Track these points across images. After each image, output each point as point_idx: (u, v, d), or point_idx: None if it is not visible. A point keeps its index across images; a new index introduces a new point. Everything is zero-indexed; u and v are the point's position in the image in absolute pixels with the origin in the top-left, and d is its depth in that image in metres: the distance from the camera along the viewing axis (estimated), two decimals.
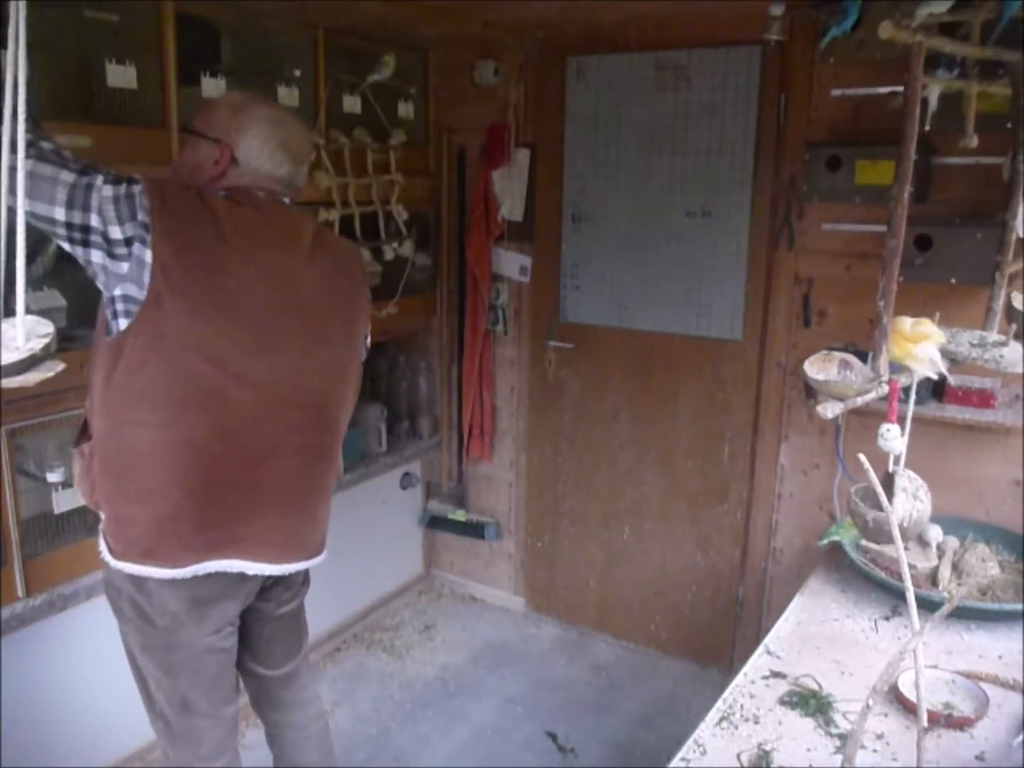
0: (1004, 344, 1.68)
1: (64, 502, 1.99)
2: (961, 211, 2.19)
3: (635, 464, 2.97)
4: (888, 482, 1.47)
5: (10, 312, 0.82)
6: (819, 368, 1.42)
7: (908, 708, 1.46)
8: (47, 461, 2.01)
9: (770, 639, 1.72)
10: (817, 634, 1.75)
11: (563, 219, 2.94)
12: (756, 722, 1.45)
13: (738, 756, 1.36)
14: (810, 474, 2.64)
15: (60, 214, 1.31)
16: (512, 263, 3.05)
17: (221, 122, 1.52)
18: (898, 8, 1.31)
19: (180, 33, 2.09)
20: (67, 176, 1.31)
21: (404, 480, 3.26)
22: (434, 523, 3.39)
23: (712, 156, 2.63)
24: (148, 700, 1.63)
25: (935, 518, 2.05)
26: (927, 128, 1.88)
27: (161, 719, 1.63)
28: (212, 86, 2.21)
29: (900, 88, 1.99)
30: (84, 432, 1.53)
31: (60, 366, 0.80)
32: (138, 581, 1.50)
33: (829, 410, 1.37)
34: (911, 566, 1.86)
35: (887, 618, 1.82)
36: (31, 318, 0.81)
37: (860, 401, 1.40)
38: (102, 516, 1.52)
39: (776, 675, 1.59)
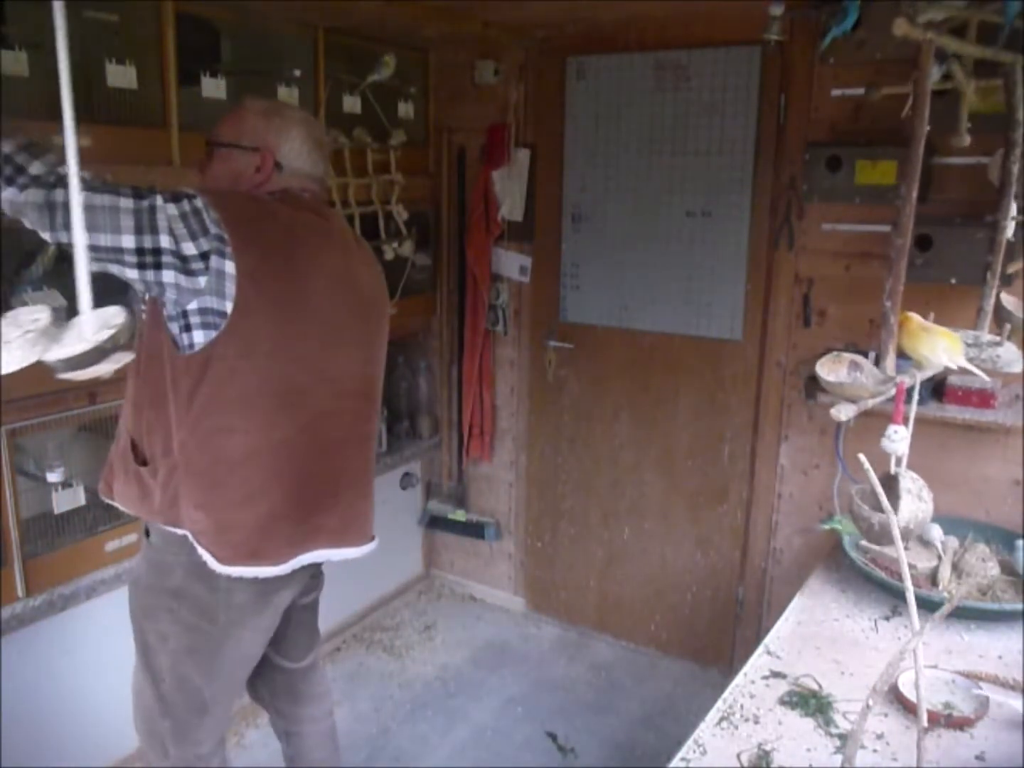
0: (999, 344, 1.68)
1: (64, 502, 2.00)
2: (961, 211, 2.19)
3: (635, 464, 2.97)
4: (892, 483, 1.47)
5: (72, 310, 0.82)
6: (829, 369, 1.42)
7: (908, 708, 1.46)
8: (47, 461, 2.01)
9: (770, 639, 1.72)
10: (817, 634, 1.75)
11: (563, 219, 2.94)
12: (756, 722, 1.45)
13: (738, 756, 1.36)
14: (810, 474, 2.64)
15: (129, 242, 1.28)
16: (512, 263, 3.05)
17: (255, 129, 1.53)
18: (911, 6, 1.30)
19: (180, 33, 2.09)
20: (126, 203, 1.28)
21: (404, 480, 3.26)
22: (434, 523, 3.39)
23: (712, 156, 2.63)
24: (158, 701, 1.61)
25: (935, 518, 2.06)
26: (903, 116, 1.88)
27: (170, 718, 1.62)
28: (212, 86, 2.21)
29: (866, 88, 2.02)
30: (136, 452, 1.52)
31: (129, 356, 0.81)
32: (210, 578, 1.50)
33: (843, 412, 1.36)
34: (911, 566, 1.86)
35: (887, 618, 1.82)
36: (109, 309, 0.82)
37: (871, 403, 1.40)
38: (191, 527, 1.49)
39: (776, 675, 1.59)
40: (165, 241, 1.30)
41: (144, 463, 1.51)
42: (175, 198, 1.33)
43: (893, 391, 1.41)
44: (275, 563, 1.51)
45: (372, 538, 1.71)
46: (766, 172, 2.55)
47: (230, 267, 1.34)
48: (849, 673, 1.60)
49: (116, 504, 1.60)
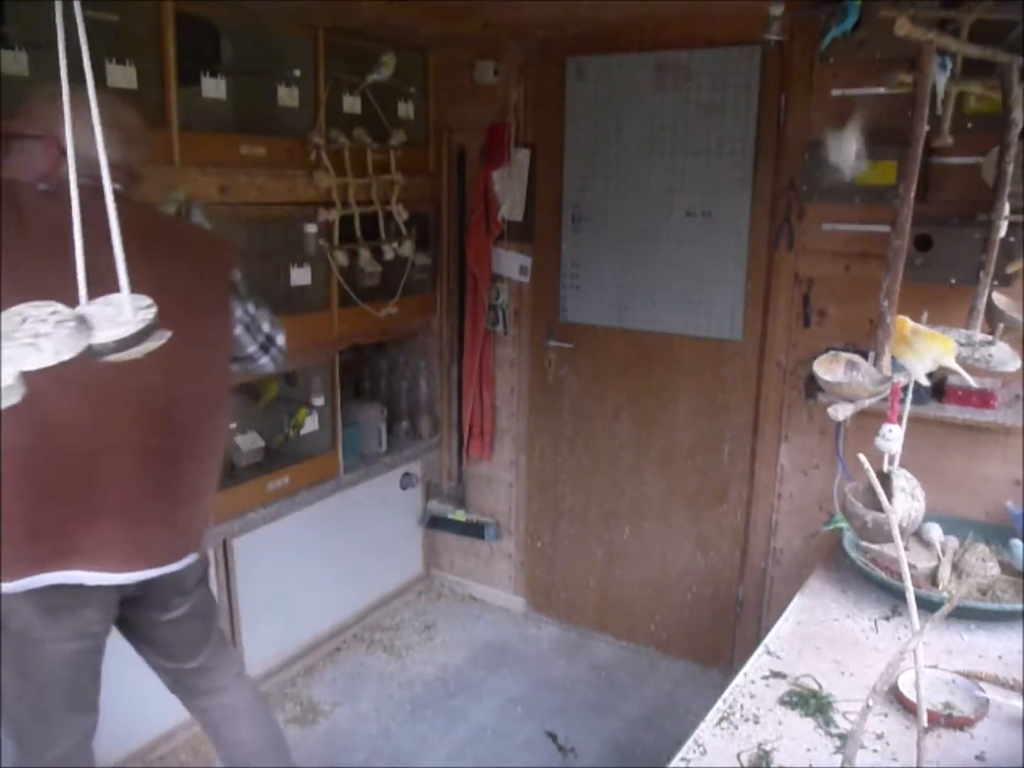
0: (992, 343, 1.68)
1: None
2: (960, 211, 2.19)
3: (635, 464, 2.97)
4: (885, 482, 1.47)
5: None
6: (827, 369, 1.42)
7: (908, 708, 1.46)
8: None
9: (770, 639, 1.72)
10: (817, 634, 1.75)
11: (563, 219, 2.94)
12: (756, 722, 1.45)
13: (738, 756, 1.36)
14: (810, 474, 2.64)
15: None
16: (512, 263, 3.05)
17: (42, 116, 1.43)
18: (912, 5, 1.31)
19: (180, 33, 2.09)
20: None
21: (404, 480, 3.26)
22: (434, 523, 3.39)
23: (712, 156, 2.63)
24: (3, 707, 1.59)
25: (935, 518, 2.06)
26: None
27: (14, 720, 1.60)
28: (212, 86, 2.22)
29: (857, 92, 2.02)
30: None
31: (168, 334, 0.81)
32: None
33: (840, 412, 1.36)
34: (911, 566, 1.86)
35: (887, 618, 1.82)
36: (124, 294, 0.81)
37: (868, 402, 1.40)
38: None
39: (776, 675, 1.59)
40: None
41: None
42: None
43: (890, 390, 1.42)
44: (7, 579, 1.44)
45: (164, 563, 1.59)
46: (766, 172, 2.55)
47: None
48: (849, 673, 1.60)
49: None
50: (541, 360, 3.09)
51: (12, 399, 0.70)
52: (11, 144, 1.50)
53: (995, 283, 1.80)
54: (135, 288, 0.98)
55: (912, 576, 1.63)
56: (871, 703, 1.11)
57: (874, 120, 2.29)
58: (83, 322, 0.75)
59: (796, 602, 1.88)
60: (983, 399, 2.24)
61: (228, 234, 2.41)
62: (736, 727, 1.44)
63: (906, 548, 1.31)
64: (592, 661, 3.02)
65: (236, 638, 2.62)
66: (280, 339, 1.77)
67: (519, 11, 2.49)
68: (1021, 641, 1.71)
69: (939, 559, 1.93)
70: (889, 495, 1.43)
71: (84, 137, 1.42)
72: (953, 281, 2.12)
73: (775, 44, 2.28)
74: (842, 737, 1.40)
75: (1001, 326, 1.76)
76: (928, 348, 1.45)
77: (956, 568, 1.92)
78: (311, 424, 2.75)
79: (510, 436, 3.23)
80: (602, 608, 3.15)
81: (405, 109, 2.92)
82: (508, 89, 2.91)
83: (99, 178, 1.25)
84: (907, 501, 1.42)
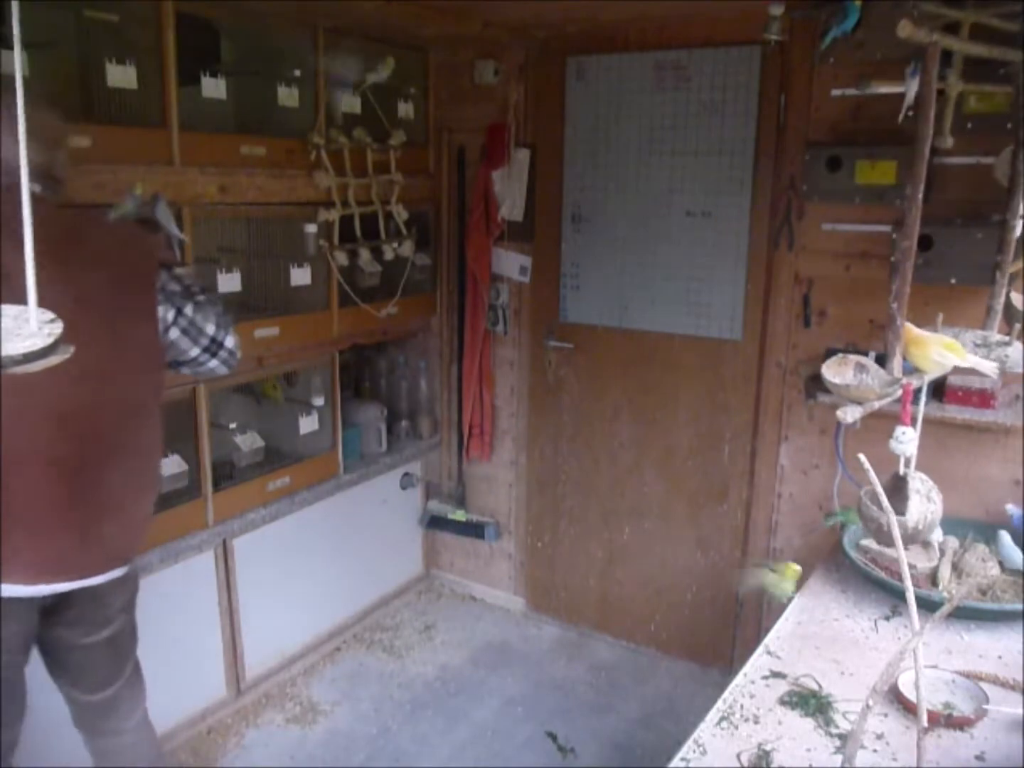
0: (1008, 344, 1.68)
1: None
2: (961, 211, 2.19)
3: (635, 464, 2.97)
4: (900, 485, 1.47)
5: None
6: (835, 372, 1.42)
7: (908, 708, 1.46)
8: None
9: (770, 639, 1.72)
10: (817, 634, 1.75)
11: (563, 219, 2.94)
12: (756, 722, 1.45)
13: (738, 756, 1.36)
14: (810, 474, 2.64)
15: None
16: (512, 263, 3.05)
17: None
18: (915, 7, 1.31)
19: (180, 33, 2.09)
20: None
21: (404, 480, 3.26)
22: (434, 523, 3.39)
23: (712, 156, 2.63)
24: None
25: None
26: (899, 120, 1.89)
27: None
28: (212, 86, 2.22)
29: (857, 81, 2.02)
30: None
31: (71, 349, 0.80)
32: None
33: (849, 414, 1.36)
34: (911, 566, 1.86)
35: (887, 618, 1.82)
36: (32, 306, 0.81)
37: (877, 405, 1.40)
38: None
39: (776, 675, 1.59)
40: None
41: None
42: None
43: (899, 393, 1.41)
44: None
45: (81, 576, 1.56)
46: (766, 172, 2.55)
47: None
48: (849, 673, 1.60)
49: None
50: (541, 360, 3.09)
51: None
52: None
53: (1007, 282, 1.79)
54: (44, 292, 0.96)
55: (912, 576, 1.63)
56: (871, 703, 1.11)
57: (874, 120, 2.30)
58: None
59: (796, 602, 1.88)
60: (983, 399, 2.24)
61: (228, 234, 2.42)
62: (736, 727, 1.44)
63: (908, 549, 1.31)
64: (592, 661, 3.02)
65: (236, 638, 2.62)
66: (229, 342, 1.70)
67: (519, 11, 2.49)
68: (1021, 641, 1.71)
69: (939, 559, 1.93)
70: (905, 497, 1.43)
71: (6, 142, 1.33)
72: (953, 281, 2.12)
73: (775, 44, 2.28)
74: (842, 737, 1.40)
75: (1017, 326, 1.76)
76: (932, 353, 1.45)
77: (956, 568, 1.92)
78: (311, 424, 2.75)
79: (510, 436, 3.23)
80: (602, 608, 3.15)
81: (405, 109, 2.92)
82: (508, 89, 2.91)
83: (20, 183, 1.19)
84: (923, 504, 1.42)
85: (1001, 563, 1.96)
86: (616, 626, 3.13)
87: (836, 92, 2.35)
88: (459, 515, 3.33)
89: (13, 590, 1.49)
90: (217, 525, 2.46)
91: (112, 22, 1.99)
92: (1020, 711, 1.46)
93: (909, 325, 1.48)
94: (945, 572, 1.89)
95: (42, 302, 1.14)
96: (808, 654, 1.67)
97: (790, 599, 1.87)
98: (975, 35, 1.65)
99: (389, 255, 2.82)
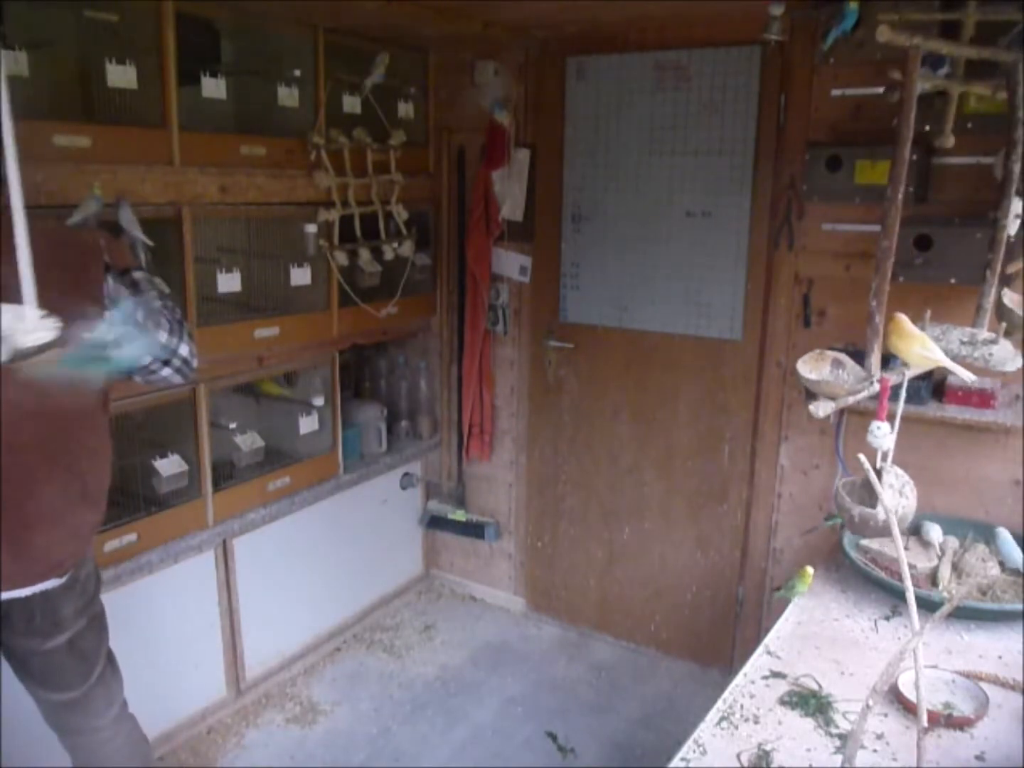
0: (994, 342, 1.68)
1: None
2: (961, 211, 2.19)
3: (635, 464, 2.97)
4: (877, 478, 1.47)
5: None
6: (812, 367, 1.42)
7: (908, 708, 1.46)
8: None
9: (770, 639, 1.72)
10: (817, 634, 1.75)
11: (563, 219, 2.94)
12: (756, 722, 1.45)
13: (738, 756, 1.36)
14: (810, 474, 2.64)
15: None
16: (512, 263, 3.05)
17: None
18: (896, 10, 1.31)
19: (180, 33, 2.09)
20: None
21: (404, 480, 3.26)
22: (434, 523, 3.39)
23: (712, 156, 2.63)
24: None
25: (935, 518, 2.06)
26: (894, 124, 1.88)
27: None
28: (212, 86, 2.22)
29: (885, 89, 2.02)
30: None
31: (67, 341, 0.81)
32: None
33: (820, 409, 1.37)
34: (911, 566, 1.86)
35: (887, 618, 1.82)
36: (18, 308, 0.82)
37: (851, 400, 1.41)
38: None
39: (776, 675, 1.59)
40: None
41: None
42: None
43: (875, 388, 1.42)
44: None
45: (17, 583, 1.53)
46: (766, 172, 2.55)
47: None
48: (849, 673, 1.61)
49: None
50: (541, 360, 3.09)
51: None
52: None
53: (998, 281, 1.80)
54: None
55: (912, 576, 1.63)
56: (871, 703, 1.11)
57: (874, 120, 2.30)
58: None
59: (796, 602, 1.88)
60: (983, 399, 2.23)
61: (228, 234, 2.42)
62: (736, 727, 1.44)
63: (906, 548, 1.32)
64: (592, 661, 3.02)
65: (236, 638, 2.62)
66: (184, 350, 1.63)
67: (519, 11, 2.49)
68: (1021, 641, 1.71)
69: (939, 559, 1.93)
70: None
71: None
72: (953, 281, 2.11)
73: (775, 44, 2.28)
74: (842, 737, 1.40)
75: (1003, 325, 1.76)
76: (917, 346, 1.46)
77: (956, 568, 1.92)
78: (311, 424, 2.75)
79: (510, 436, 3.23)
80: (602, 608, 3.15)
81: (405, 109, 2.92)
82: (508, 89, 2.91)
83: None
84: (895, 498, 1.43)
85: (1001, 563, 1.96)
86: (616, 626, 3.13)
87: (836, 92, 2.35)
88: (459, 515, 3.33)
89: None
90: (217, 525, 2.46)
91: (112, 22, 1.99)
92: (1020, 711, 1.47)
93: (903, 318, 1.48)
94: (945, 572, 1.89)
95: None
96: (808, 654, 1.67)
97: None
98: (978, 35, 1.65)
99: (389, 255, 2.82)
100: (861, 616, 1.83)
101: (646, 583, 3.04)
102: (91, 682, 1.74)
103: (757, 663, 1.63)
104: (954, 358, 1.63)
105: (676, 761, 1.35)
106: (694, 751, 1.37)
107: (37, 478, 1.51)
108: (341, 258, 2.64)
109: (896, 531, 1.18)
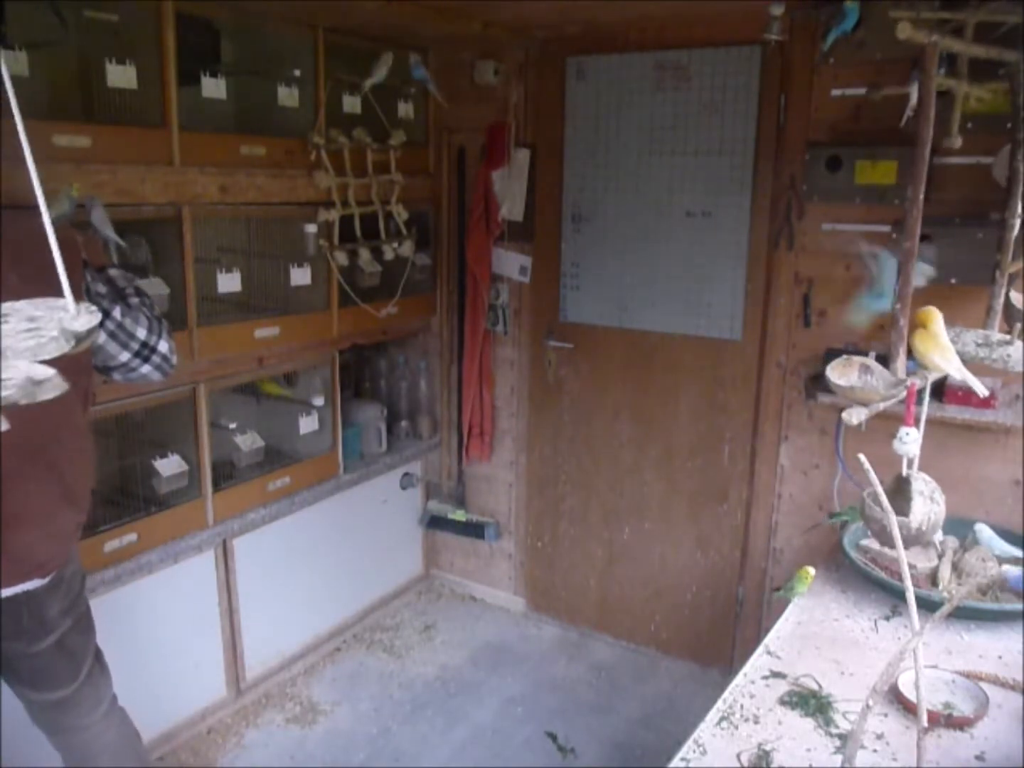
0: (1009, 343, 1.68)
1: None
2: (961, 211, 2.19)
3: (635, 464, 2.97)
4: (904, 485, 1.47)
5: None
6: (840, 373, 1.41)
7: (908, 708, 1.46)
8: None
9: (770, 639, 1.72)
10: (817, 634, 1.75)
11: (563, 219, 2.94)
12: (756, 722, 1.45)
13: (738, 756, 1.36)
14: (810, 474, 2.64)
15: None
16: (512, 263, 3.05)
17: None
18: (914, 8, 1.31)
19: (180, 33, 2.09)
20: None
21: (404, 480, 3.26)
22: (434, 523, 3.39)
23: (712, 156, 2.63)
24: None
25: None
26: (902, 124, 1.89)
27: None
28: (212, 86, 2.22)
29: (868, 88, 2.02)
30: None
31: (102, 337, 0.82)
32: None
33: (855, 416, 1.36)
34: (911, 566, 1.86)
35: (887, 618, 1.82)
36: (68, 297, 0.83)
37: (883, 406, 1.40)
38: None
39: (776, 675, 1.59)
40: None
41: None
42: None
43: (904, 394, 1.41)
44: None
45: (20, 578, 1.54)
46: (766, 172, 2.55)
47: None
48: (849, 673, 1.60)
49: None
50: (541, 360, 3.09)
51: (51, 392, 0.71)
52: None
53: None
54: None
55: (912, 576, 1.63)
56: (871, 703, 1.11)
57: (874, 120, 2.30)
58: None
59: (796, 602, 1.88)
60: (983, 399, 2.23)
61: (228, 234, 2.42)
62: (736, 727, 1.44)
63: (907, 548, 1.31)
64: (592, 661, 3.02)
65: (236, 638, 2.62)
66: (163, 346, 1.65)
67: (519, 11, 2.49)
68: (1021, 641, 1.71)
69: (939, 559, 1.93)
70: (908, 499, 1.43)
71: None
72: (953, 281, 2.12)
73: (775, 44, 2.28)
74: (842, 737, 1.40)
75: (1019, 326, 1.76)
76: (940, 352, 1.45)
77: (956, 568, 1.92)
78: (311, 424, 2.75)
79: (510, 436, 3.23)
80: (602, 608, 3.15)
81: (405, 109, 2.92)
82: (508, 89, 2.91)
83: None
84: (925, 504, 1.42)
85: (999, 558, 1.96)
86: (616, 626, 3.13)
87: (836, 92, 2.35)
88: (459, 515, 3.33)
89: None
90: (217, 525, 2.46)
91: (112, 22, 1.99)
92: (1020, 711, 1.47)
93: (937, 317, 1.47)
94: (945, 572, 1.89)
95: None
96: (808, 654, 1.67)
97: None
98: (978, 35, 1.65)
99: (389, 255, 2.82)
100: (861, 616, 1.83)
101: (646, 583, 3.04)
102: (80, 680, 1.74)
103: (757, 663, 1.63)
104: (971, 360, 1.63)
105: (676, 761, 1.35)
106: (694, 751, 1.37)
107: (18, 478, 1.50)
108: (341, 258, 2.64)
109: (897, 535, 1.18)
